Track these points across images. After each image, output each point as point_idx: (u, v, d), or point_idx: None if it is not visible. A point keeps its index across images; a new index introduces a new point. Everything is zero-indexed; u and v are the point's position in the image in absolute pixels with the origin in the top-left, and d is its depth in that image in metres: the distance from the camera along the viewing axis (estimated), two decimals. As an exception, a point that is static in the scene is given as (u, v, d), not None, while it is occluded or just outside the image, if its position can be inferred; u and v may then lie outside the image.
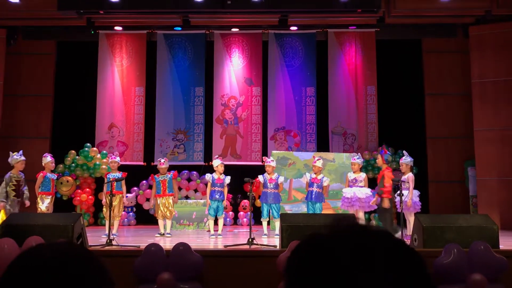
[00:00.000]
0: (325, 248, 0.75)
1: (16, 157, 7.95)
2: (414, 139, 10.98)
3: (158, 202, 8.37)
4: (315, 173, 8.29)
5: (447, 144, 11.06)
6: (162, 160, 8.63)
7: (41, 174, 8.13)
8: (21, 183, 7.86)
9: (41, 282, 0.79)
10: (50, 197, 8.11)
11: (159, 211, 8.33)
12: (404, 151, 8.17)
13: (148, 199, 10.58)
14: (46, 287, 0.79)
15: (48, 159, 8.30)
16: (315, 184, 8.19)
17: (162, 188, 8.40)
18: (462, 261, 4.92)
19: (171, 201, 8.38)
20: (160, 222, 8.36)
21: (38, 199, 8.00)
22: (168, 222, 8.38)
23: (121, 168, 8.90)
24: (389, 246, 0.75)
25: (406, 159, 7.91)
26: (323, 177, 8.33)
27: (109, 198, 7.08)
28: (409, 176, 7.71)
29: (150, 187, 9.87)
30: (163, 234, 8.22)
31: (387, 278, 0.71)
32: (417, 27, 11.08)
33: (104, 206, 8.46)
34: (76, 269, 0.82)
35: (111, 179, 7.57)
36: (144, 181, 10.76)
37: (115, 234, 7.63)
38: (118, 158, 8.74)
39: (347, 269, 0.71)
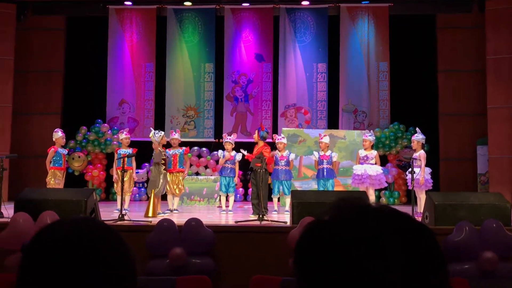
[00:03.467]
0: (330, 236, 0.73)
1: (159, 134, 7.97)
2: (426, 116, 10.85)
3: (168, 178, 8.30)
4: (322, 150, 8.28)
5: (460, 121, 10.93)
6: (175, 132, 8.54)
7: (52, 149, 8.14)
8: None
9: (63, 256, 0.79)
10: (61, 172, 8.18)
11: (168, 187, 8.17)
12: (416, 128, 8.09)
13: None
14: (68, 262, 0.78)
15: (59, 134, 8.31)
16: (324, 161, 8.18)
17: (172, 162, 8.29)
18: (473, 239, 4.91)
19: (180, 178, 8.31)
20: (169, 197, 8.26)
21: (50, 174, 8.05)
22: (176, 199, 8.28)
23: (131, 144, 8.91)
24: (396, 225, 0.74)
25: (418, 136, 7.84)
26: (331, 153, 8.33)
27: (121, 173, 7.11)
28: (420, 154, 7.64)
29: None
30: (172, 210, 8.22)
31: (398, 258, 0.70)
32: (431, 2, 10.85)
33: (115, 182, 8.49)
34: (97, 243, 0.82)
35: (122, 155, 7.59)
36: (154, 157, 10.79)
37: (126, 209, 7.69)
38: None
39: (355, 255, 0.70)
